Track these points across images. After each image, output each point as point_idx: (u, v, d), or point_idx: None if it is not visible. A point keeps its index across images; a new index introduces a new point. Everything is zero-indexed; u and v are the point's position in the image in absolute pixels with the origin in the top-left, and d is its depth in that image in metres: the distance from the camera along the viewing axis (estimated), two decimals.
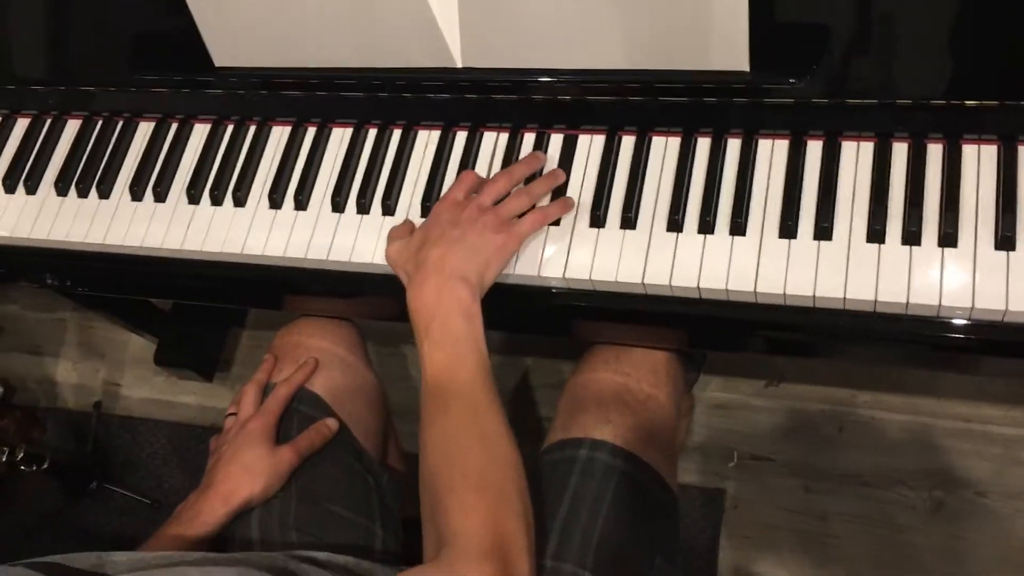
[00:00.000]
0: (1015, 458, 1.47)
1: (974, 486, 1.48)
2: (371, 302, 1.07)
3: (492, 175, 0.98)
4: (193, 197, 1.08)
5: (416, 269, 0.90)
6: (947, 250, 0.86)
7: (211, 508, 0.96)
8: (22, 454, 1.60)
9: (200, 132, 1.12)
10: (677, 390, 1.11)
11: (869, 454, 1.52)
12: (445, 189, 1.01)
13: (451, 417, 0.83)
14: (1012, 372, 1.32)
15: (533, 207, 0.95)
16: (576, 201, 0.96)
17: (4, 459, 1.58)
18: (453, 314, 0.86)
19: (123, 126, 1.15)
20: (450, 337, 0.86)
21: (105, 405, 1.87)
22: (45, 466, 1.65)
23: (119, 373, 1.92)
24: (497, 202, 0.94)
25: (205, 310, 1.79)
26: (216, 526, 0.96)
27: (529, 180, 0.97)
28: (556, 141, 1.01)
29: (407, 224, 0.98)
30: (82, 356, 1.96)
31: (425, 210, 1.01)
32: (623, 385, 1.05)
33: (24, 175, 1.16)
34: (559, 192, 0.97)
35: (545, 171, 0.99)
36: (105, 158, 1.14)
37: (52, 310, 2.00)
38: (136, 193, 1.10)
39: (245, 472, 0.98)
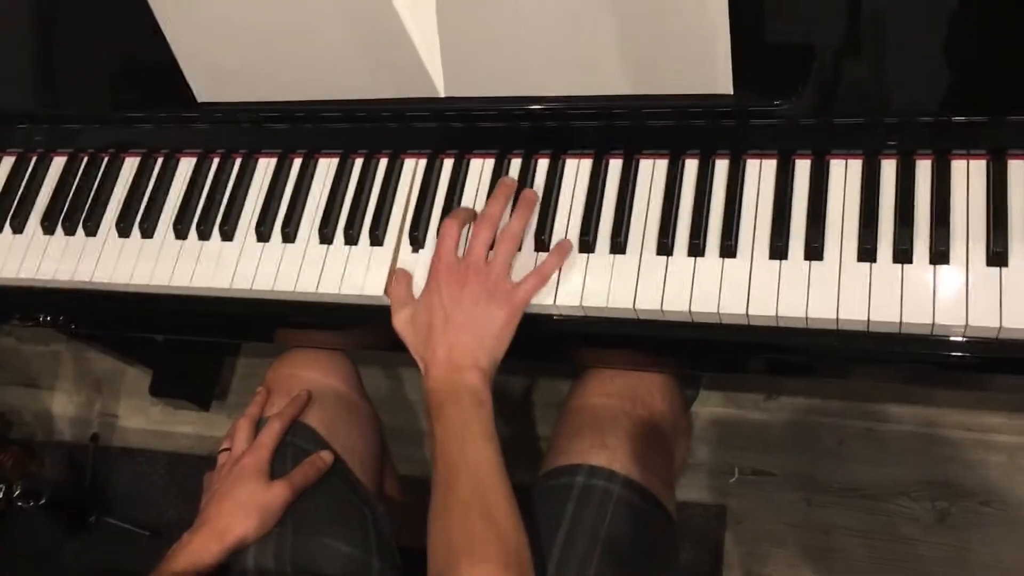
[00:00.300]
0: (1018, 466, 1.46)
1: (978, 495, 1.47)
2: (362, 333, 1.07)
3: (476, 221, 0.96)
4: (180, 232, 1.08)
5: (429, 358, 0.91)
6: (939, 267, 0.85)
7: (205, 547, 0.95)
8: (19, 489, 1.59)
9: (186, 166, 1.12)
10: (674, 411, 1.10)
11: (871, 466, 1.51)
12: (434, 218, 1.01)
13: (458, 494, 0.85)
14: (1010, 387, 1.31)
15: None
16: (565, 226, 0.96)
17: (2, 495, 1.57)
18: (465, 401, 0.88)
19: (108, 162, 1.15)
20: (462, 422, 0.88)
21: (102, 437, 1.87)
22: (43, 501, 1.64)
23: (115, 404, 1.92)
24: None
25: (199, 340, 1.78)
26: (211, 565, 0.95)
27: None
28: (543, 166, 1.00)
29: (404, 281, 0.97)
30: (78, 388, 1.96)
31: (413, 240, 1.00)
32: (619, 409, 1.05)
33: (10, 214, 1.15)
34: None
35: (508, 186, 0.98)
36: (91, 195, 1.13)
37: (47, 342, 2.00)
38: (123, 230, 1.10)
39: (239, 509, 0.97)
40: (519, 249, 0.95)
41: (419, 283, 0.98)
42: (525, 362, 1.64)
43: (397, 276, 0.98)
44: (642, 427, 1.05)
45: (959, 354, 0.85)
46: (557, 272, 0.94)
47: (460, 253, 0.94)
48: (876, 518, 1.48)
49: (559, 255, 0.94)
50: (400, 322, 0.95)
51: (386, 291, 0.99)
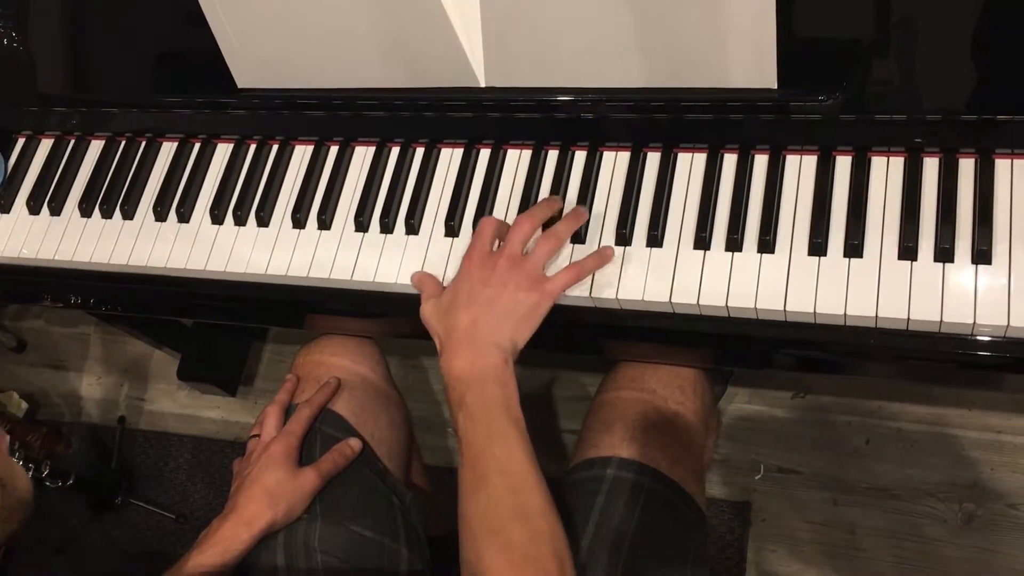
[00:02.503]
0: None
1: (1005, 498, 1.46)
2: (394, 321, 1.07)
3: (515, 217, 0.95)
4: (216, 217, 1.08)
5: (448, 334, 0.89)
6: (981, 267, 0.84)
7: (235, 533, 0.96)
8: (47, 470, 1.61)
9: (222, 152, 1.12)
10: (704, 407, 1.10)
11: (897, 466, 1.50)
12: (470, 208, 1.01)
13: (490, 492, 0.82)
14: None
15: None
16: (601, 219, 0.96)
17: (30, 475, 1.57)
18: (488, 384, 0.86)
19: (146, 146, 1.15)
20: (485, 408, 0.85)
21: (129, 420, 1.88)
22: (71, 482, 1.65)
23: (143, 388, 1.93)
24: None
25: (227, 326, 1.79)
26: (240, 551, 0.95)
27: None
28: (580, 158, 1.00)
29: (435, 279, 0.97)
30: (106, 371, 1.97)
31: (449, 229, 1.00)
32: (649, 403, 1.05)
33: (48, 196, 1.16)
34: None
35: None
36: (128, 179, 1.14)
37: (76, 325, 2.01)
38: (160, 214, 1.10)
39: (267, 496, 0.98)
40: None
41: (453, 271, 0.98)
42: (557, 353, 1.64)
43: (431, 276, 0.97)
44: (672, 422, 1.04)
45: (998, 355, 0.84)
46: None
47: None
48: (902, 519, 1.47)
49: (600, 257, 0.93)
50: (427, 310, 0.93)
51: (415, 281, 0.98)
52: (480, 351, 0.86)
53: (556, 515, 0.83)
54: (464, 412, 0.86)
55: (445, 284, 0.98)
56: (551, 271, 0.92)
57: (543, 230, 0.94)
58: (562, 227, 0.93)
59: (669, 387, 1.06)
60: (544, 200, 0.97)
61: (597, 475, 0.99)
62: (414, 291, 0.99)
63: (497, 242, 0.94)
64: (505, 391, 0.86)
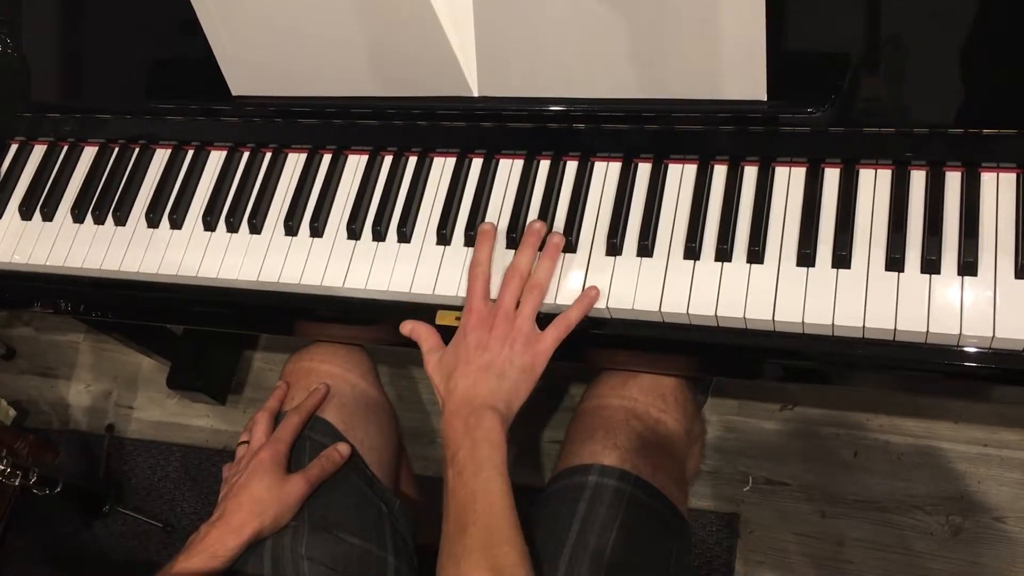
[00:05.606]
0: None
1: (992, 511, 1.47)
2: (385, 328, 1.07)
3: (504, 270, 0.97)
4: (209, 224, 1.09)
5: (448, 396, 0.93)
6: (967, 279, 0.85)
7: (222, 540, 0.95)
8: (35, 477, 1.60)
9: (216, 159, 1.13)
10: (687, 415, 1.10)
11: (885, 479, 1.51)
12: (461, 216, 1.02)
13: (468, 544, 0.85)
14: None
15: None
16: (592, 228, 0.97)
17: (17, 482, 1.57)
18: (480, 444, 0.89)
19: (139, 153, 1.16)
20: (474, 465, 0.88)
21: (117, 428, 1.87)
22: (58, 489, 1.65)
23: (132, 396, 1.92)
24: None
25: (217, 333, 1.79)
26: (227, 558, 0.95)
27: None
28: (571, 168, 1.01)
29: (434, 331, 0.98)
30: (95, 379, 1.96)
31: (440, 237, 1.01)
32: (632, 411, 1.05)
33: (40, 202, 1.16)
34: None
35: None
36: (121, 185, 1.14)
37: (66, 333, 2.01)
38: (152, 220, 1.11)
39: (255, 503, 0.98)
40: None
41: (444, 279, 0.99)
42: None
43: (427, 328, 0.99)
44: (655, 430, 1.05)
45: (984, 365, 0.85)
46: (584, 275, 0.95)
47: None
48: (890, 531, 1.48)
49: (584, 305, 0.95)
50: (430, 365, 0.97)
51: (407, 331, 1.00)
52: (476, 415, 0.90)
53: (529, 570, 0.85)
54: (455, 467, 0.89)
55: (436, 291, 0.99)
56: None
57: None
58: (542, 273, 0.96)
59: (651, 395, 1.07)
60: (526, 236, 0.98)
61: (579, 482, 0.99)
62: (406, 299, 1.00)
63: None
64: (495, 452, 0.89)
